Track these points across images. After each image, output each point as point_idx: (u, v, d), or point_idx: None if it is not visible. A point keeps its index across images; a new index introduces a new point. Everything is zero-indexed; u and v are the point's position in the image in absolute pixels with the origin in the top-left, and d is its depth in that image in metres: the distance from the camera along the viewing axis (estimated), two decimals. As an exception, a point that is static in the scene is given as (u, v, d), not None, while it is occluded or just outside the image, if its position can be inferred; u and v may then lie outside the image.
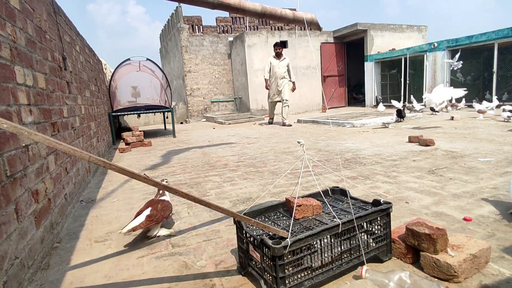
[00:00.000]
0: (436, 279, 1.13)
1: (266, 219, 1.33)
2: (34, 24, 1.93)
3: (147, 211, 1.63)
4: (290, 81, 7.25)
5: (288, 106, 7.20)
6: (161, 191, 1.87)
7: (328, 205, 1.35)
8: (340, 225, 1.13)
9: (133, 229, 1.56)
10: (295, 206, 1.25)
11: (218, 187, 2.59)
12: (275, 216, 1.35)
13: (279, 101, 7.33)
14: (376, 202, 1.31)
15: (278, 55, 7.19)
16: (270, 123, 7.75)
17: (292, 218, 1.22)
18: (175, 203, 2.22)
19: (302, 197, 1.39)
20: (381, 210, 1.25)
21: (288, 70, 7.23)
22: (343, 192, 1.52)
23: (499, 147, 3.29)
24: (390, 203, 1.28)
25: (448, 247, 1.16)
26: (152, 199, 1.80)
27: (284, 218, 1.32)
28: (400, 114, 6.31)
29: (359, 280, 1.16)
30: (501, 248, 1.30)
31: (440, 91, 4.96)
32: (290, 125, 6.94)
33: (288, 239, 1.03)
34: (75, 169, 2.58)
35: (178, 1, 2.19)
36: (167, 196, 1.84)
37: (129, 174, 0.85)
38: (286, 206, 1.39)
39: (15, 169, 1.36)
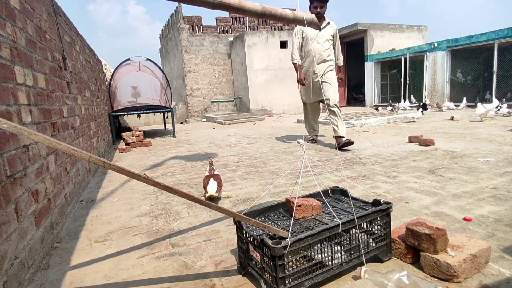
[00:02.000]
0: (435, 280, 1.13)
1: (266, 219, 1.33)
2: (34, 24, 1.93)
3: (214, 182, 2.21)
4: (336, 64, 4.07)
5: (339, 109, 3.88)
6: (212, 166, 2.45)
7: (328, 205, 1.35)
8: (340, 225, 1.13)
9: (216, 192, 2.16)
10: (295, 206, 1.24)
11: (218, 187, 2.59)
12: (275, 216, 1.35)
13: (320, 102, 4.24)
14: (376, 202, 1.31)
15: (318, 19, 3.32)
16: (313, 141, 4.47)
17: (292, 218, 1.22)
18: (175, 203, 2.22)
19: (302, 197, 1.39)
20: (381, 210, 1.25)
21: (334, 45, 3.99)
22: (343, 192, 1.52)
23: (499, 147, 3.29)
24: (390, 203, 1.28)
25: (448, 247, 1.16)
26: (209, 174, 2.33)
27: (284, 218, 1.32)
28: (425, 107, 8.20)
29: (358, 280, 1.16)
30: (501, 248, 1.30)
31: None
32: (351, 142, 3.69)
33: (288, 239, 1.03)
34: (75, 169, 2.58)
35: (178, 1, 2.19)
36: (216, 171, 2.44)
37: (129, 174, 0.85)
38: (286, 206, 1.39)
39: (15, 169, 1.36)
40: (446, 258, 1.11)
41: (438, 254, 1.14)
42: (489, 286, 1.08)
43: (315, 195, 1.47)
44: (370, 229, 1.26)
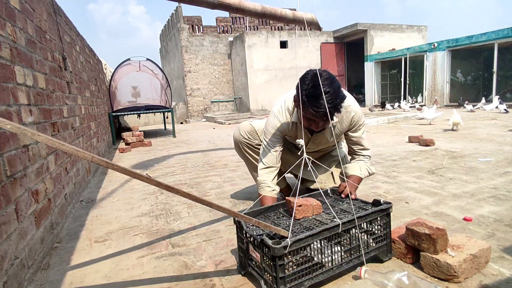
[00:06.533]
0: (435, 280, 1.13)
1: (267, 219, 1.33)
2: (34, 24, 1.93)
3: None
4: (345, 171, 1.78)
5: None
6: None
7: (329, 205, 1.35)
8: (340, 225, 1.13)
9: None
10: (295, 206, 1.24)
11: (218, 187, 2.59)
12: (275, 216, 1.35)
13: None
14: (376, 202, 1.31)
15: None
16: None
17: (292, 218, 1.22)
18: (175, 203, 2.22)
19: (302, 197, 1.39)
20: (381, 210, 1.25)
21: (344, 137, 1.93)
22: None
23: (499, 147, 3.29)
24: (390, 203, 1.28)
25: (448, 247, 1.16)
26: None
27: (285, 218, 1.32)
28: (384, 105, 10.10)
29: (358, 280, 1.16)
30: (501, 248, 1.30)
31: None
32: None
33: (288, 239, 1.03)
34: (75, 169, 2.58)
35: (178, 1, 2.19)
36: None
37: (131, 174, 0.84)
38: (286, 206, 1.39)
39: (15, 169, 1.36)
40: (446, 258, 1.11)
41: (438, 254, 1.14)
42: (489, 286, 1.08)
43: (315, 195, 1.47)
44: (370, 229, 1.26)
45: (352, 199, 1.41)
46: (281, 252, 1.00)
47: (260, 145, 1.92)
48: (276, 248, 0.99)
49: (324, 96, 1.32)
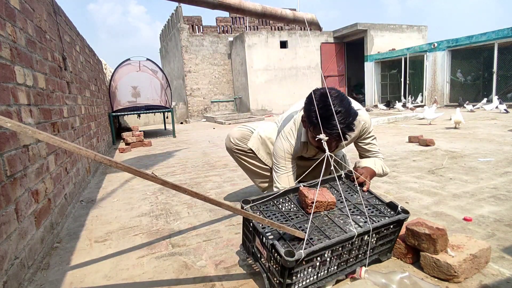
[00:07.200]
0: (435, 280, 1.13)
1: (275, 207, 1.27)
2: (34, 24, 1.93)
3: None
4: (358, 165, 1.72)
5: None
6: None
7: (343, 198, 1.28)
8: (356, 236, 1.11)
9: None
10: (314, 206, 1.19)
11: (218, 187, 2.59)
12: (284, 204, 1.30)
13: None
14: (392, 205, 1.26)
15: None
16: None
17: (310, 222, 1.16)
18: (175, 203, 2.22)
19: (316, 184, 1.32)
20: (397, 220, 1.20)
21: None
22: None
23: (499, 147, 3.29)
24: (408, 212, 1.22)
25: (448, 247, 1.16)
26: None
27: (293, 207, 1.28)
28: (389, 105, 10.44)
29: (358, 280, 1.16)
30: (501, 248, 1.30)
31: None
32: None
33: (302, 251, 0.99)
34: (75, 169, 2.58)
35: (178, 1, 2.18)
36: None
37: (135, 173, 0.83)
38: (296, 192, 1.33)
39: (15, 169, 1.36)
40: (446, 258, 1.11)
41: (438, 254, 1.14)
42: (489, 286, 1.08)
43: (327, 180, 1.42)
44: (381, 235, 1.22)
45: (365, 191, 1.38)
46: (293, 265, 0.98)
47: (252, 150, 1.93)
48: (289, 261, 0.96)
49: (335, 117, 1.24)
